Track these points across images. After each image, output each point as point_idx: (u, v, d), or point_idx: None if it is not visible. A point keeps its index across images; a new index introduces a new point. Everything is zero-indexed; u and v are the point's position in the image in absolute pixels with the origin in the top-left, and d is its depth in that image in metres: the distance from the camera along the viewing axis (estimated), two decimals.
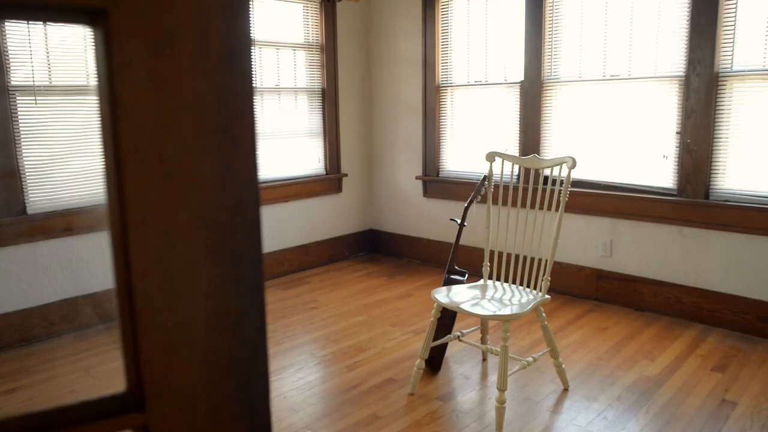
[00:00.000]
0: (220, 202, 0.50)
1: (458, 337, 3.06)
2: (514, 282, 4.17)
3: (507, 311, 2.67)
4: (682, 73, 3.71)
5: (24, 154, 3.50)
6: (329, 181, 5.25)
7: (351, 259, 5.43)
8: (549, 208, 2.95)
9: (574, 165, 2.79)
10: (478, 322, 3.18)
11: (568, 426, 2.68)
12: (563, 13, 4.18)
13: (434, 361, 3.19)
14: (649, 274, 3.98)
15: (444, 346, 3.20)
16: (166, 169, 0.48)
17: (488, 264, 3.10)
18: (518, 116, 4.49)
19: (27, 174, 3.53)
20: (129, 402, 0.50)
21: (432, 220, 5.13)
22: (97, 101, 0.47)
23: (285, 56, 4.86)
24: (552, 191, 2.96)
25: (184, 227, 0.49)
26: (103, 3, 0.44)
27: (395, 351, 3.47)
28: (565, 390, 3.00)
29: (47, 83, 3.56)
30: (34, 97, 3.50)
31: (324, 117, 5.16)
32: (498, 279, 3.96)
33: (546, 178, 3.85)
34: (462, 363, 3.30)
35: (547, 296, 2.86)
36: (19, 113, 3.47)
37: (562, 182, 2.90)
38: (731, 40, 3.52)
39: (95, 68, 0.47)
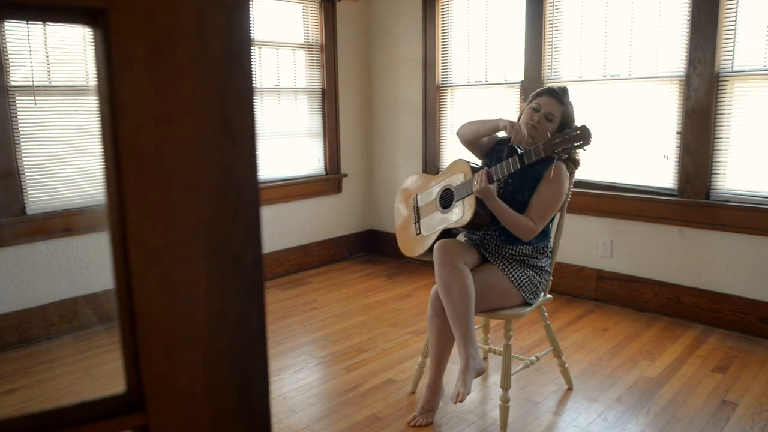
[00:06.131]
0: (220, 203, 0.50)
1: None
2: None
3: (510, 310, 2.65)
4: (682, 73, 3.70)
5: (23, 154, 3.49)
6: (329, 182, 5.24)
7: (351, 260, 5.41)
8: None
9: None
10: (479, 321, 3.16)
11: (569, 427, 2.67)
12: (563, 12, 4.17)
13: None
14: (649, 275, 3.97)
15: None
16: (166, 170, 0.47)
17: None
18: (518, 116, 4.46)
19: (26, 174, 3.51)
20: (129, 402, 0.49)
21: None
22: (97, 101, 0.47)
23: (285, 56, 4.84)
24: None
25: (184, 227, 0.49)
26: (103, 3, 0.44)
27: (395, 352, 3.46)
28: (569, 389, 2.99)
29: (47, 83, 3.54)
30: (33, 97, 3.49)
31: (324, 117, 5.14)
32: None
33: None
34: None
35: (549, 295, 2.85)
36: (18, 113, 3.45)
37: None
38: (732, 40, 3.51)
39: (95, 68, 0.47)
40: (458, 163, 2.82)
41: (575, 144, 2.44)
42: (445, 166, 5.03)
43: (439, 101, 5.02)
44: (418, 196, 2.98)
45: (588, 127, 2.41)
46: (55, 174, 3.61)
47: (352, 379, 3.14)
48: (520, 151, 2.71)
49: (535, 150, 2.49)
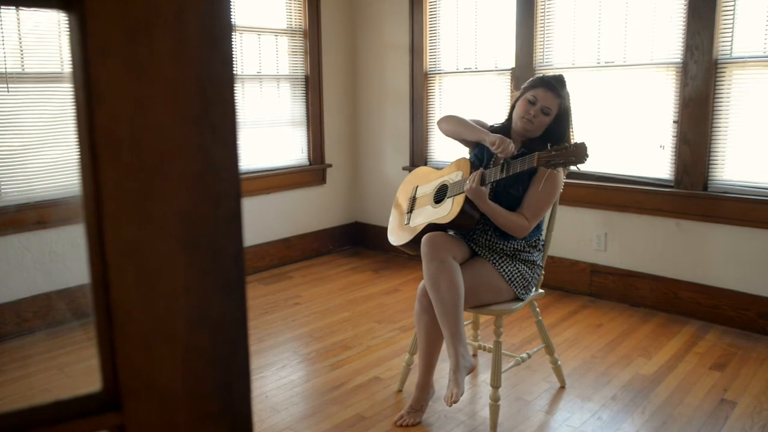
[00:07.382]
0: (200, 194, 0.50)
1: None
2: None
3: (501, 306, 2.61)
4: (679, 60, 3.63)
5: None
6: (313, 172, 5.17)
7: (335, 253, 5.35)
8: None
9: None
10: (468, 317, 3.13)
11: (562, 426, 2.64)
12: None
13: None
14: (645, 269, 3.92)
15: None
16: (144, 160, 0.48)
17: None
18: (509, 104, 4.39)
19: None
20: (105, 401, 0.50)
21: None
22: (72, 89, 0.47)
23: (267, 42, 4.76)
24: None
25: (162, 220, 0.49)
26: None
27: (381, 349, 3.41)
28: (562, 388, 2.96)
29: (20, 70, 3.48)
30: (6, 85, 3.42)
31: (307, 105, 5.07)
32: None
33: None
34: None
35: (540, 290, 2.82)
36: None
37: None
38: (731, 26, 3.44)
39: (70, 55, 0.47)
40: (462, 161, 2.81)
41: (570, 159, 2.40)
42: (433, 156, 4.99)
43: (426, 89, 4.94)
44: (419, 188, 2.99)
45: (586, 144, 2.38)
46: (28, 164, 3.56)
47: (337, 377, 3.11)
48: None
49: (529, 159, 2.46)
